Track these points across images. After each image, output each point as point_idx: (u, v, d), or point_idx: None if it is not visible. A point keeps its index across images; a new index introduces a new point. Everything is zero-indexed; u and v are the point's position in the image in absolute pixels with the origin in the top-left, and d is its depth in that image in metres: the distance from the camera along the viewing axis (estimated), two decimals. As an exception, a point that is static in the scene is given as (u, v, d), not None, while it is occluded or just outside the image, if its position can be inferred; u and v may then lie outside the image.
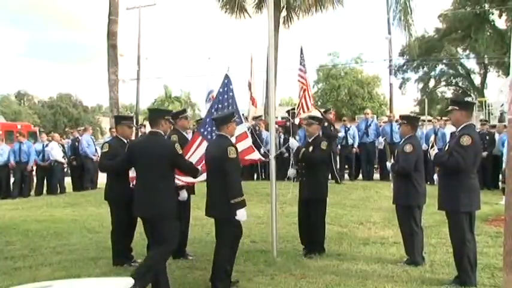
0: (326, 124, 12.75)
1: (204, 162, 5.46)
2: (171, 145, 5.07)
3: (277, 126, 13.74)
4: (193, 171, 5.28)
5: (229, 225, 4.97)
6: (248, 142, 6.03)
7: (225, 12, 18.24)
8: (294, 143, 6.82)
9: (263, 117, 14.48)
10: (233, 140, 5.45)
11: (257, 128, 13.30)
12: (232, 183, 4.88)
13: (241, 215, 4.86)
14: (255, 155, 6.16)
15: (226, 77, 6.22)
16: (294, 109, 12.94)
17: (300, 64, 11.27)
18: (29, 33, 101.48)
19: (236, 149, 5.05)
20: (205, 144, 5.83)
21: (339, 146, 13.21)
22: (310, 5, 17.39)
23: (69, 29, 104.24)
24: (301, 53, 11.25)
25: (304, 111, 11.17)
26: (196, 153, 5.91)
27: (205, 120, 6.30)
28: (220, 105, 6.11)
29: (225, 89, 6.16)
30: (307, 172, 6.43)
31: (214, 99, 6.32)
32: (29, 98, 64.36)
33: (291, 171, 7.07)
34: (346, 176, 13.58)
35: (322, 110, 12.50)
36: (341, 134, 13.16)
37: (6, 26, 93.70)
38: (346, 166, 13.90)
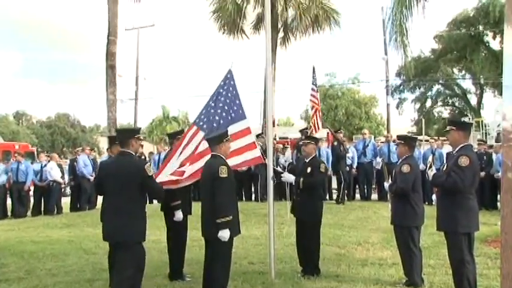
0: (336, 143, 12.83)
1: (197, 153, 5.52)
2: (140, 166, 4.93)
3: (279, 145, 13.76)
4: (159, 195, 5.25)
5: (220, 244, 4.94)
6: (251, 138, 5.93)
7: (223, 33, 18.39)
8: (289, 177, 6.67)
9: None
10: (235, 133, 5.60)
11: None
12: (220, 202, 4.88)
13: (223, 235, 4.86)
14: (256, 153, 6.01)
15: (229, 72, 6.19)
16: (307, 128, 13.01)
17: (312, 84, 11.31)
18: (27, 54, 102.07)
19: (229, 168, 5.05)
20: (201, 134, 5.78)
21: (352, 165, 13.24)
22: (307, 26, 17.54)
23: (67, 49, 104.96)
24: (313, 72, 11.31)
25: (316, 131, 11.21)
26: (190, 145, 5.84)
27: (201, 111, 6.15)
28: (222, 98, 6.01)
29: (227, 82, 6.08)
30: (302, 192, 6.37)
31: (217, 91, 6.17)
32: (27, 118, 64.53)
33: (287, 175, 6.89)
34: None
35: (333, 130, 12.57)
36: (350, 154, 13.17)
37: (4, 46, 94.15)
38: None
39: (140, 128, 5.86)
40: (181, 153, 5.86)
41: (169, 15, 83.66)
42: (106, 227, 4.91)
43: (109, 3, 16.73)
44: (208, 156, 5.37)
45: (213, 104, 5.93)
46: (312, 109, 10.40)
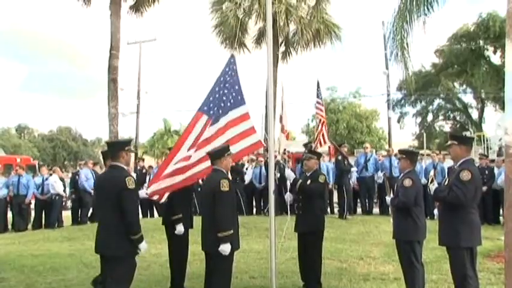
0: (340, 158, 12.82)
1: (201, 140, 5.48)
2: (121, 179, 4.73)
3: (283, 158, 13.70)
4: (131, 210, 4.69)
5: (221, 258, 4.92)
6: (249, 123, 5.83)
7: (225, 47, 18.51)
8: (290, 174, 6.81)
9: (262, 152, 14.46)
10: (234, 119, 5.57)
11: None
12: (220, 216, 4.88)
13: (224, 249, 4.85)
14: (255, 138, 5.85)
15: (232, 56, 6.16)
16: (310, 143, 12.98)
17: (317, 97, 11.31)
18: (30, 68, 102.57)
19: (230, 182, 5.05)
20: (204, 118, 5.71)
21: (354, 180, 13.24)
22: (309, 40, 17.65)
23: (70, 63, 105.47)
24: (318, 86, 11.31)
25: (321, 145, 11.19)
26: (194, 132, 5.74)
27: (208, 98, 5.97)
28: (227, 85, 5.92)
29: (230, 67, 6.02)
30: (303, 205, 6.41)
31: (219, 78, 6.06)
32: (29, 131, 64.71)
33: (288, 195, 6.94)
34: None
35: (337, 144, 12.56)
36: (354, 169, 13.17)
37: (7, 60, 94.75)
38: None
39: (131, 140, 5.68)
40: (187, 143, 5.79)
41: (171, 29, 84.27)
42: (96, 239, 4.91)
43: (112, 17, 16.88)
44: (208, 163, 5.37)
45: (217, 89, 5.88)
46: (318, 122, 10.38)
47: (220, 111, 5.71)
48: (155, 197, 6.11)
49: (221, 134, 5.63)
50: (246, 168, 14.04)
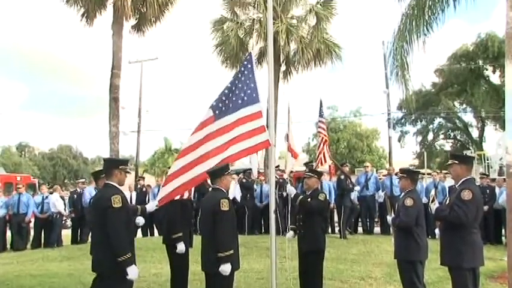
0: (342, 177, 12.81)
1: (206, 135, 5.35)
2: (108, 197, 4.66)
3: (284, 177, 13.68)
4: (113, 229, 4.55)
5: (221, 278, 4.87)
6: (261, 122, 5.65)
7: (226, 66, 18.61)
8: (291, 189, 6.81)
9: (259, 170, 14.45)
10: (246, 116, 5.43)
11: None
12: (221, 236, 4.85)
13: (225, 269, 4.81)
14: (264, 136, 5.63)
15: (249, 54, 6.10)
16: (311, 162, 12.96)
17: (320, 116, 11.33)
18: (31, 86, 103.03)
19: (230, 201, 5.02)
20: (216, 123, 5.55)
21: (356, 200, 13.22)
22: (309, 59, 17.75)
23: (71, 82, 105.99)
24: (320, 105, 11.34)
25: (322, 164, 11.16)
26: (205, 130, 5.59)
27: (220, 96, 5.80)
28: (240, 83, 5.80)
29: (245, 64, 5.94)
30: (304, 224, 6.40)
31: (235, 76, 5.95)
32: (29, 149, 64.79)
33: (290, 234, 6.95)
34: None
35: (339, 163, 12.54)
36: (357, 188, 13.14)
37: (9, 79, 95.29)
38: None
39: (127, 160, 5.64)
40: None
41: (173, 48, 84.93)
42: (92, 257, 4.87)
43: (114, 37, 17.00)
44: (213, 160, 5.30)
45: (229, 85, 5.81)
46: (320, 141, 10.39)
47: (230, 106, 5.59)
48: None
49: (230, 130, 5.51)
50: (260, 185, 14.02)
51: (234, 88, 5.74)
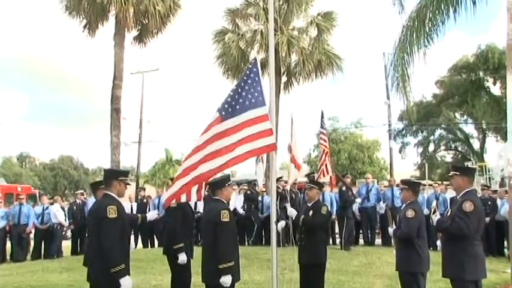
0: (344, 188, 12.78)
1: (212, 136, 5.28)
2: (104, 207, 4.67)
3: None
4: (107, 248, 4.51)
5: None
6: (267, 125, 5.58)
7: (227, 77, 18.65)
8: (292, 211, 6.74)
9: (264, 181, 14.41)
10: (252, 120, 5.37)
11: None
12: (221, 248, 4.83)
13: (225, 281, 4.79)
14: (270, 139, 5.57)
15: (254, 59, 6.07)
16: (313, 173, 12.92)
17: (321, 127, 11.33)
18: (32, 97, 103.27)
19: (230, 212, 5.01)
20: (225, 123, 5.48)
21: (357, 212, 13.19)
22: (310, 71, 17.78)
23: (72, 92, 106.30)
24: (322, 116, 11.34)
25: (324, 176, 11.14)
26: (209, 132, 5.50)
27: (227, 99, 5.74)
28: (246, 86, 5.73)
29: (251, 68, 5.89)
30: (305, 236, 6.37)
31: (240, 80, 5.91)
32: (30, 160, 64.82)
33: (280, 224, 6.84)
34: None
35: (340, 175, 12.52)
36: (358, 200, 13.10)
37: (10, 90, 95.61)
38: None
39: (127, 172, 5.61)
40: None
41: (174, 59, 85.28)
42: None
43: (115, 48, 17.11)
44: (224, 157, 5.22)
45: (235, 88, 5.79)
46: (322, 152, 10.39)
47: (237, 108, 5.55)
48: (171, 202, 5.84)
49: (236, 131, 5.44)
50: (262, 197, 13.98)
51: (240, 90, 5.70)
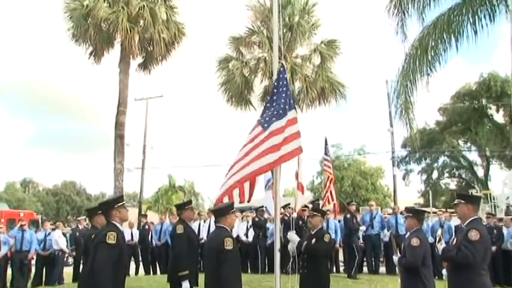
0: (348, 216, 12.71)
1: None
2: (103, 233, 4.70)
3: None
4: (98, 272, 4.48)
5: None
6: (296, 127, 5.66)
7: (231, 105, 18.76)
8: (294, 237, 6.68)
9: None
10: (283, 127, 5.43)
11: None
12: (224, 276, 4.80)
13: None
14: (298, 142, 5.62)
15: (282, 66, 6.07)
16: (318, 200, 12.84)
17: (325, 154, 11.35)
18: (38, 123, 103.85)
19: (233, 240, 4.99)
20: (260, 129, 5.59)
21: (361, 240, 13.07)
22: (314, 98, 17.89)
23: (77, 118, 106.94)
24: (326, 143, 11.39)
25: (329, 203, 11.10)
26: (254, 144, 5.54)
27: (264, 110, 5.93)
28: (278, 94, 5.86)
29: (280, 76, 5.96)
30: (308, 264, 6.30)
31: (271, 93, 6.02)
32: (33, 185, 64.79)
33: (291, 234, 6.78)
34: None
35: (345, 202, 12.47)
36: (363, 227, 13.01)
37: (16, 116, 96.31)
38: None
39: (121, 196, 5.60)
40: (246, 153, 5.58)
41: (178, 86, 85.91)
42: None
43: (120, 75, 17.29)
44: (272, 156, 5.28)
45: (269, 99, 5.89)
46: (326, 179, 10.38)
47: (275, 114, 5.66)
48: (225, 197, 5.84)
49: (270, 138, 5.52)
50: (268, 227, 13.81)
51: (275, 97, 5.83)
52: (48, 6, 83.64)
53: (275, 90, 5.93)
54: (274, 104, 5.83)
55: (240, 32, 18.28)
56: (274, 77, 6.34)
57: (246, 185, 6.52)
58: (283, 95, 5.82)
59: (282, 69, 5.99)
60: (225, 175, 5.45)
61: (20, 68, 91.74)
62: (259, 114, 5.96)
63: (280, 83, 5.90)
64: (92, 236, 5.40)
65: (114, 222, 4.86)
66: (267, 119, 5.73)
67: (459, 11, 9.52)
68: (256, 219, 13.77)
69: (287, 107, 5.70)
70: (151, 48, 17.90)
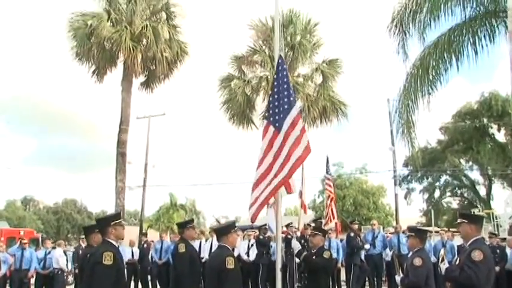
0: (352, 235, 12.64)
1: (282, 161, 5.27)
2: (99, 253, 4.64)
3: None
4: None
5: None
6: (301, 124, 5.57)
7: (233, 123, 18.82)
8: (296, 244, 6.75)
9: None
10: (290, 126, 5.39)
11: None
12: None
13: None
14: (306, 141, 5.49)
15: (280, 57, 5.94)
16: (320, 218, 12.80)
17: (327, 173, 11.37)
18: (40, 140, 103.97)
19: (235, 259, 4.97)
20: (280, 137, 5.51)
21: (364, 259, 12.97)
22: (316, 117, 17.97)
23: (78, 136, 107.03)
24: (327, 162, 11.41)
25: (331, 221, 11.07)
26: (271, 151, 5.51)
27: (269, 105, 5.85)
28: (280, 88, 5.74)
29: (279, 68, 5.87)
30: (309, 282, 6.31)
31: (273, 84, 5.90)
32: (34, 203, 64.63)
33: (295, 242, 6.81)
34: None
35: (348, 221, 12.43)
36: (367, 246, 12.92)
37: (15, 133, 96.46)
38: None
39: (118, 214, 5.55)
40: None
41: (180, 104, 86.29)
42: None
43: (123, 93, 17.42)
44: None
45: (276, 96, 5.75)
46: (327, 198, 10.38)
47: (281, 117, 5.59)
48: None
49: (284, 145, 5.47)
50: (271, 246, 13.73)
51: (276, 96, 5.75)
52: (51, 24, 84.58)
53: (275, 83, 5.85)
54: (276, 97, 5.77)
55: (242, 51, 18.48)
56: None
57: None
58: (285, 86, 5.74)
59: (280, 60, 5.91)
60: (255, 189, 5.44)
61: (22, 85, 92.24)
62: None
63: (280, 74, 5.83)
64: (88, 256, 5.30)
65: (109, 240, 4.80)
66: (276, 117, 5.66)
67: (459, 31, 9.61)
68: (260, 237, 13.69)
69: (291, 98, 5.64)
70: (154, 67, 18.05)
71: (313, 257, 6.36)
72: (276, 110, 5.65)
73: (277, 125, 5.59)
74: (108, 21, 17.22)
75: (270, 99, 5.81)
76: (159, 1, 18.54)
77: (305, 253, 6.44)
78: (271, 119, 5.68)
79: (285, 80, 5.77)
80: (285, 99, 5.66)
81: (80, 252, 13.67)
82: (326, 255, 6.36)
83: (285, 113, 5.60)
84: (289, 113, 5.58)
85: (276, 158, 5.44)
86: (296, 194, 9.84)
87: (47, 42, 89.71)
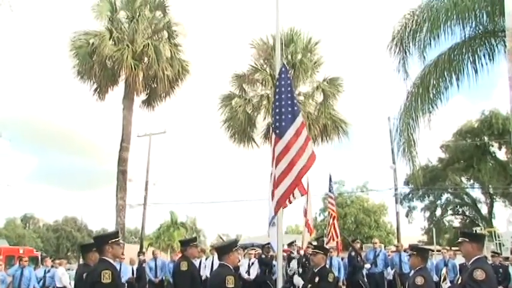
0: (353, 254, 12.57)
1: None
2: (97, 272, 4.65)
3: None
4: None
5: None
6: (305, 133, 5.61)
7: (234, 141, 18.82)
8: (299, 281, 6.69)
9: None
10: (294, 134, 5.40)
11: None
12: None
13: None
14: (310, 149, 5.60)
15: (283, 65, 5.97)
16: (322, 237, 12.71)
17: (329, 191, 11.37)
18: (40, 158, 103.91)
19: (236, 279, 4.94)
20: (281, 143, 5.54)
21: (365, 278, 12.87)
22: (317, 135, 17.97)
23: (79, 154, 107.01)
24: (330, 180, 11.41)
25: (333, 240, 11.01)
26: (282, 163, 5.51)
27: (275, 116, 5.83)
28: (283, 95, 5.76)
29: (283, 76, 5.87)
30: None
31: (276, 92, 5.91)
32: (34, 221, 64.37)
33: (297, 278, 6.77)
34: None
35: (350, 239, 12.37)
36: (367, 266, 12.83)
37: (16, 151, 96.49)
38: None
39: (116, 232, 5.52)
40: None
41: (181, 122, 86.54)
42: None
43: (124, 111, 17.47)
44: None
45: (277, 104, 5.77)
46: (330, 217, 10.34)
47: (283, 125, 5.61)
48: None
49: (286, 153, 5.50)
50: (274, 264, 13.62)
51: (278, 103, 5.76)
52: (53, 43, 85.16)
53: (277, 90, 5.86)
54: (277, 104, 5.78)
55: (243, 70, 18.54)
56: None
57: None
58: (289, 95, 5.76)
59: (283, 68, 5.94)
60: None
61: (23, 103, 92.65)
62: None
63: (283, 82, 5.84)
64: (84, 275, 5.23)
65: (106, 258, 4.80)
66: (277, 124, 5.70)
67: (459, 50, 9.69)
68: (263, 256, 13.59)
69: (295, 108, 5.66)
70: (155, 85, 18.14)
71: (316, 278, 6.29)
72: (277, 117, 5.69)
73: (277, 131, 5.64)
74: (110, 39, 17.35)
75: (273, 106, 5.87)
76: (160, 20, 18.73)
77: (310, 286, 6.32)
78: (273, 126, 5.78)
79: (289, 88, 5.80)
80: (289, 108, 5.67)
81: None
82: (330, 278, 6.30)
83: (287, 121, 5.62)
84: (293, 122, 5.60)
85: (277, 165, 5.50)
86: (295, 213, 9.81)
87: (49, 61, 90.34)
